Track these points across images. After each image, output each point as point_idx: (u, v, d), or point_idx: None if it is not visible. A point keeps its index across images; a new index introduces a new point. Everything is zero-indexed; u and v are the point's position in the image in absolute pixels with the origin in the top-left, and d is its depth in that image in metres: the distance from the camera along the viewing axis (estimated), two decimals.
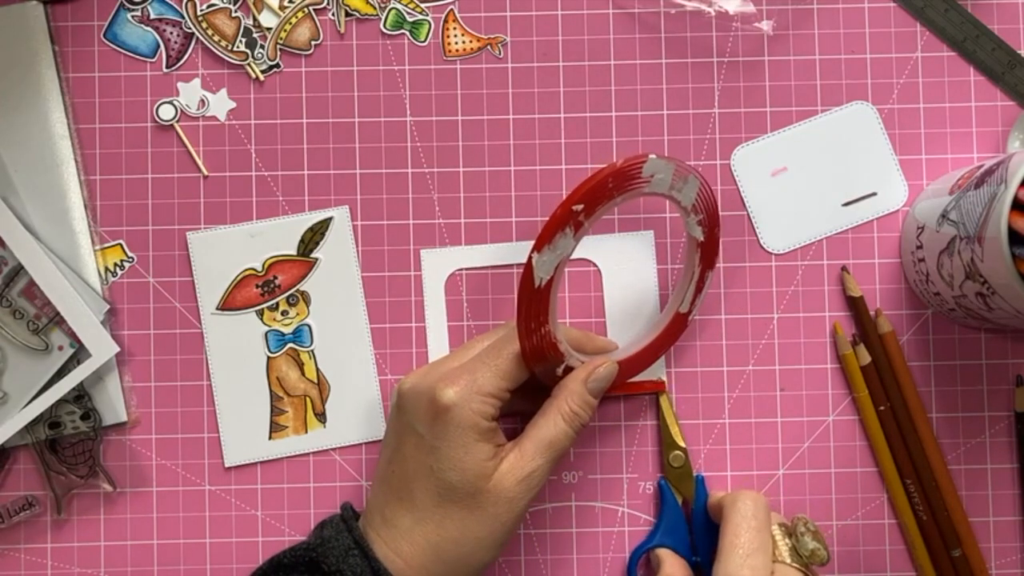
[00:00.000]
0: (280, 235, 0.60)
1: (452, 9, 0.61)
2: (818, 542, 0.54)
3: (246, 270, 0.60)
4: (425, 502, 0.52)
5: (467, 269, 0.60)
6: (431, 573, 0.52)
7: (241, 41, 0.60)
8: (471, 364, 0.53)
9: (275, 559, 0.53)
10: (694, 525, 0.59)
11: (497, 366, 0.53)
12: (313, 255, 0.60)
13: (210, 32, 0.60)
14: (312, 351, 0.60)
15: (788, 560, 0.53)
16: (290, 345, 0.60)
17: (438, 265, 0.60)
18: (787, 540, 0.54)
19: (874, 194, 0.61)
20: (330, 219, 0.60)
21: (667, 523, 0.59)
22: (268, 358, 0.60)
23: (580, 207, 0.50)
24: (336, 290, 0.60)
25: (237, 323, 0.60)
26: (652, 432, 0.60)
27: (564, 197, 0.50)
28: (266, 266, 0.60)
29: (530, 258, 0.50)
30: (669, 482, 0.59)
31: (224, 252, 0.60)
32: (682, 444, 0.59)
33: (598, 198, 0.50)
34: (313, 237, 0.60)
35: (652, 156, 0.51)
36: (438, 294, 0.60)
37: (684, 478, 0.59)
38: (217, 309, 0.60)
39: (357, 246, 0.60)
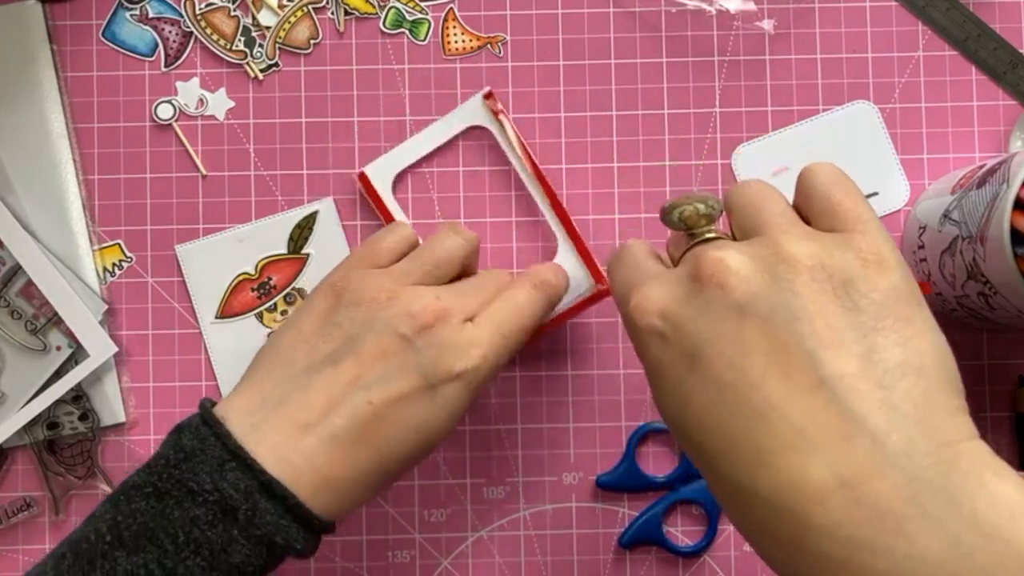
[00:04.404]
0: (268, 236, 0.60)
1: (452, 8, 0.60)
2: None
3: (240, 275, 0.60)
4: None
5: None
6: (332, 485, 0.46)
7: (240, 40, 0.60)
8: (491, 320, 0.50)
9: (128, 481, 0.46)
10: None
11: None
12: (304, 251, 0.60)
13: (209, 31, 0.60)
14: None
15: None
16: None
17: None
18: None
19: (876, 194, 0.60)
20: (315, 213, 0.60)
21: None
22: None
23: None
24: None
25: (238, 329, 0.60)
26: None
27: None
28: (259, 268, 0.60)
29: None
30: None
31: (215, 260, 0.60)
32: None
33: None
34: (302, 233, 0.60)
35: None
36: None
37: None
38: (216, 318, 0.60)
39: (346, 235, 0.60)
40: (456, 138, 0.60)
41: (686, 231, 0.42)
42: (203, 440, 0.45)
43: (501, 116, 0.59)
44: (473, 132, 0.60)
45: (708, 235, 0.41)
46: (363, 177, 0.59)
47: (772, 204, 0.40)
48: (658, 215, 0.43)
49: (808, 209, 0.41)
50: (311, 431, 0.46)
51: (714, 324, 0.37)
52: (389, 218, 0.59)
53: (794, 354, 0.35)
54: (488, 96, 0.59)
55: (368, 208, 0.60)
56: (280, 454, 0.45)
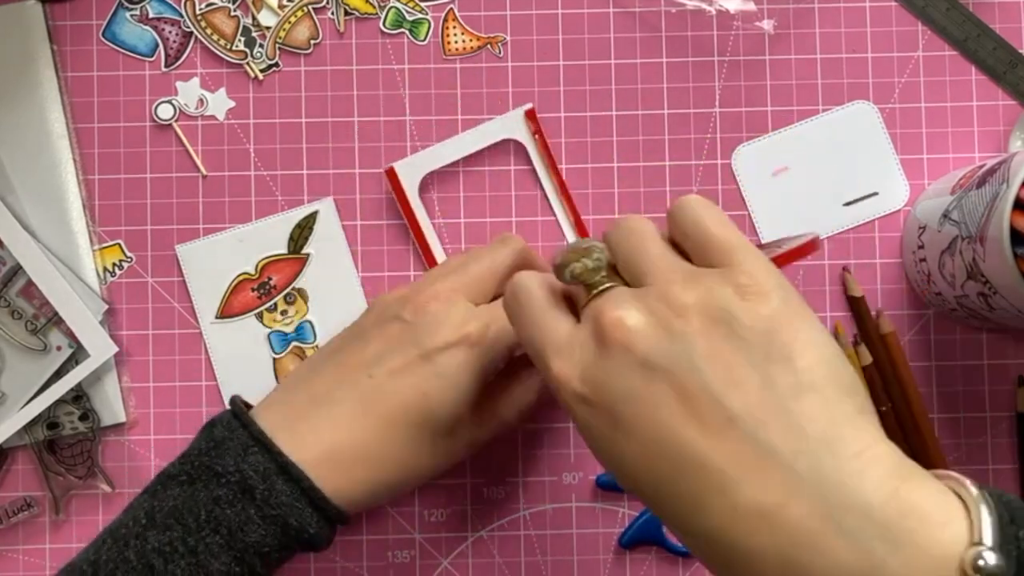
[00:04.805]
0: (268, 236, 0.60)
1: (452, 8, 0.60)
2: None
3: (240, 275, 0.60)
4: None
5: None
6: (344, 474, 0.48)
7: (240, 40, 0.60)
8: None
9: (164, 472, 0.49)
10: None
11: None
12: (304, 251, 0.60)
13: (209, 31, 0.60)
14: (317, 347, 0.60)
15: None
16: (294, 344, 0.60)
17: None
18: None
19: (875, 194, 0.60)
20: (315, 213, 0.60)
21: None
22: (274, 360, 0.60)
23: None
24: (332, 283, 0.60)
25: (238, 329, 0.60)
26: None
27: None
28: (259, 268, 0.60)
29: None
30: None
31: (215, 260, 0.60)
32: None
33: None
34: (302, 233, 0.60)
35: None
36: None
37: None
38: (216, 318, 0.60)
39: (346, 235, 0.60)
40: (487, 147, 0.60)
41: (581, 284, 0.43)
42: (232, 430, 0.49)
43: (538, 136, 0.59)
44: (504, 144, 0.60)
45: (602, 286, 0.42)
46: (391, 173, 0.59)
47: (651, 247, 0.42)
48: (553, 271, 0.44)
49: (684, 245, 0.43)
50: (317, 406, 0.49)
51: (625, 382, 0.39)
52: (411, 216, 0.59)
53: (700, 399, 0.37)
54: (530, 114, 0.59)
55: (369, 208, 0.60)
56: (290, 429, 0.48)
